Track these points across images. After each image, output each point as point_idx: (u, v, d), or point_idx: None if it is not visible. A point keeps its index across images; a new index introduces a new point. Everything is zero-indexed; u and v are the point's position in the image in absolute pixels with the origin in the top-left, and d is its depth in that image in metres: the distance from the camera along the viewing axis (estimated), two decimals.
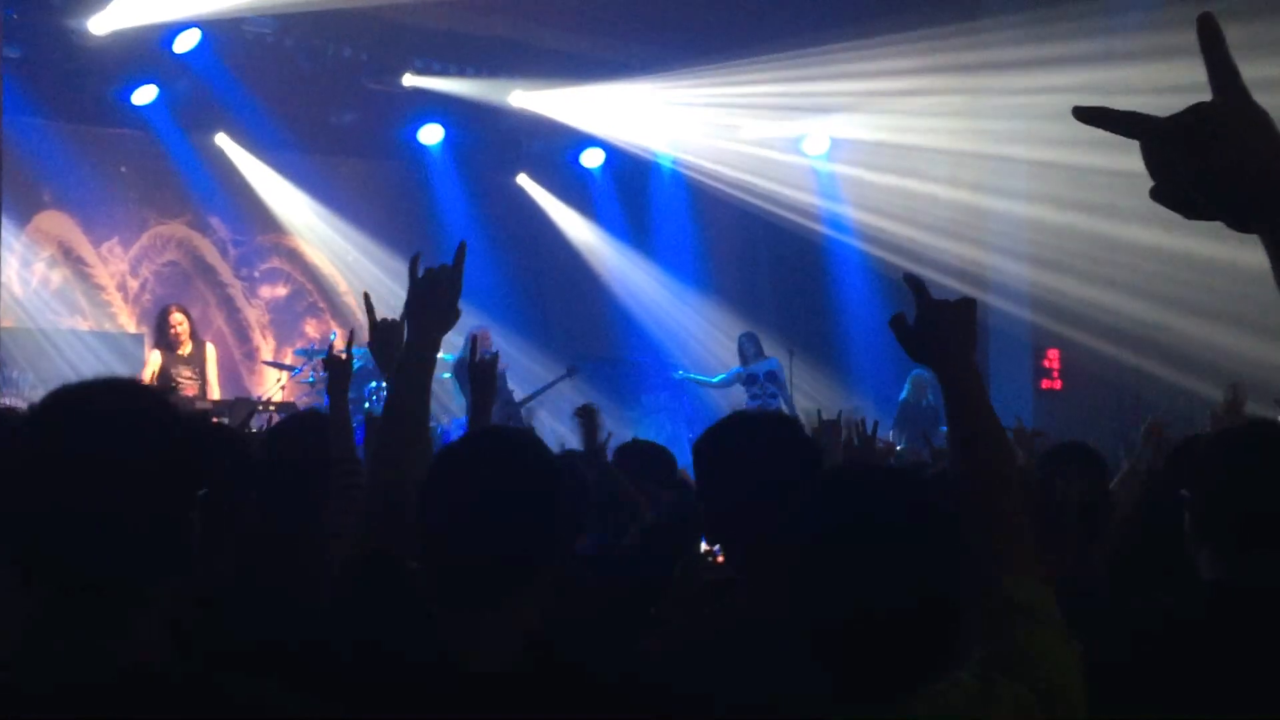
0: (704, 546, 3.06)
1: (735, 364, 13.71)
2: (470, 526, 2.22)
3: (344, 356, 4.09)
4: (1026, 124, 13.02)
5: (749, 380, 13.11)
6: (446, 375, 13.24)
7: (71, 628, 1.69)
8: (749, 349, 13.30)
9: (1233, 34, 1.40)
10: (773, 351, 13.42)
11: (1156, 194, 1.36)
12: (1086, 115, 1.38)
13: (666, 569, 3.16)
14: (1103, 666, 2.02)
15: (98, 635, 1.69)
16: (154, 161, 13.63)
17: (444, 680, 2.14)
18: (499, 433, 2.50)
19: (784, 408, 12.94)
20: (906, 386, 13.37)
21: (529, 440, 2.44)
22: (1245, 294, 11.74)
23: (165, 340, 10.27)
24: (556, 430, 14.04)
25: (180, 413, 1.85)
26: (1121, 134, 1.37)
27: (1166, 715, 2.26)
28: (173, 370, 10.22)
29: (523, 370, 13.29)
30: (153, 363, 10.26)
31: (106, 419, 1.76)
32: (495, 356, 4.41)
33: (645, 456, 4.81)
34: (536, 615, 2.24)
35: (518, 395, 12.32)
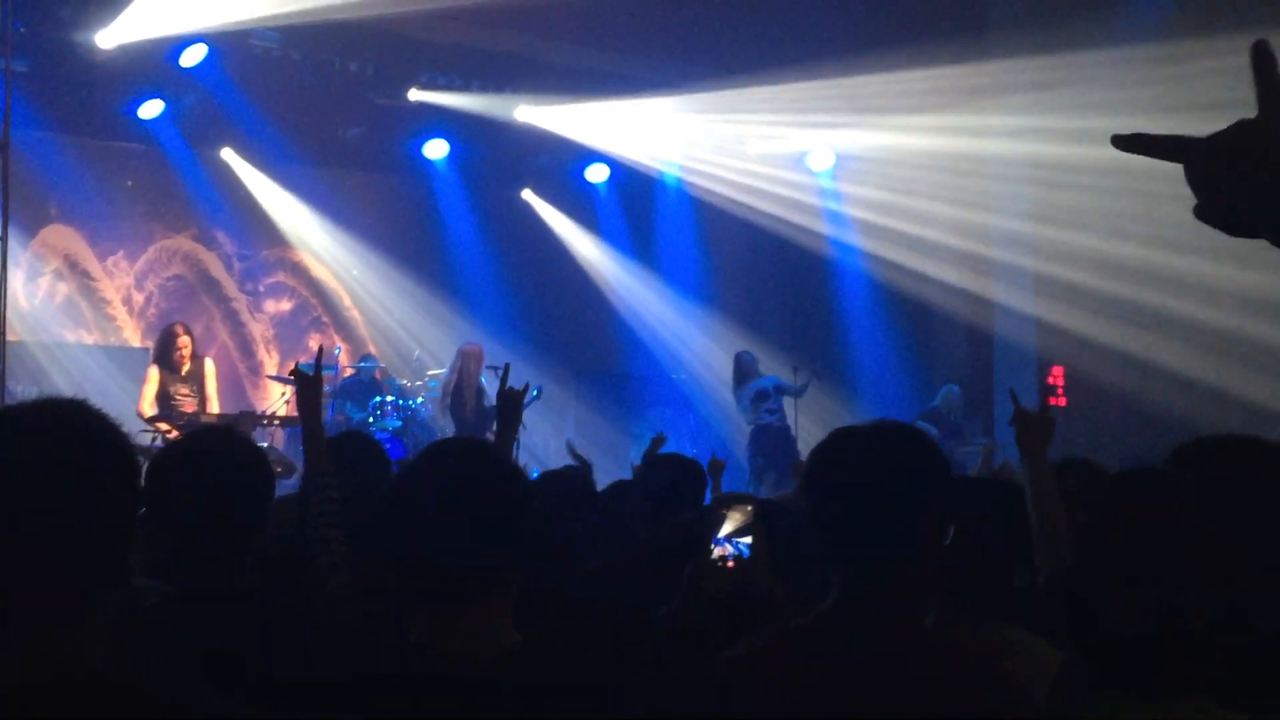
0: (716, 551, 3.04)
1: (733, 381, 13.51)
2: (448, 534, 2.28)
3: (313, 373, 4.06)
4: (1033, 142, 13.03)
5: (760, 396, 13.01)
6: (434, 384, 13.25)
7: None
8: (753, 364, 13.22)
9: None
10: (777, 368, 13.38)
11: (1201, 213, 1.35)
12: (1125, 143, 1.37)
13: (676, 573, 3.18)
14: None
15: (23, 645, 1.71)
16: (160, 175, 13.66)
17: (432, 677, 2.21)
18: (464, 444, 2.55)
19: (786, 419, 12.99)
20: (939, 398, 13.49)
21: (488, 448, 2.52)
22: (1256, 311, 11.75)
23: (168, 360, 10.23)
24: (560, 446, 14.05)
25: (120, 433, 1.87)
26: (1163, 158, 1.36)
27: None
28: (171, 388, 10.18)
29: (531, 383, 13.28)
30: (153, 380, 10.22)
31: (43, 436, 1.78)
32: (525, 389, 4.38)
33: (676, 471, 4.83)
34: (509, 613, 2.32)
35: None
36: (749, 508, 3.01)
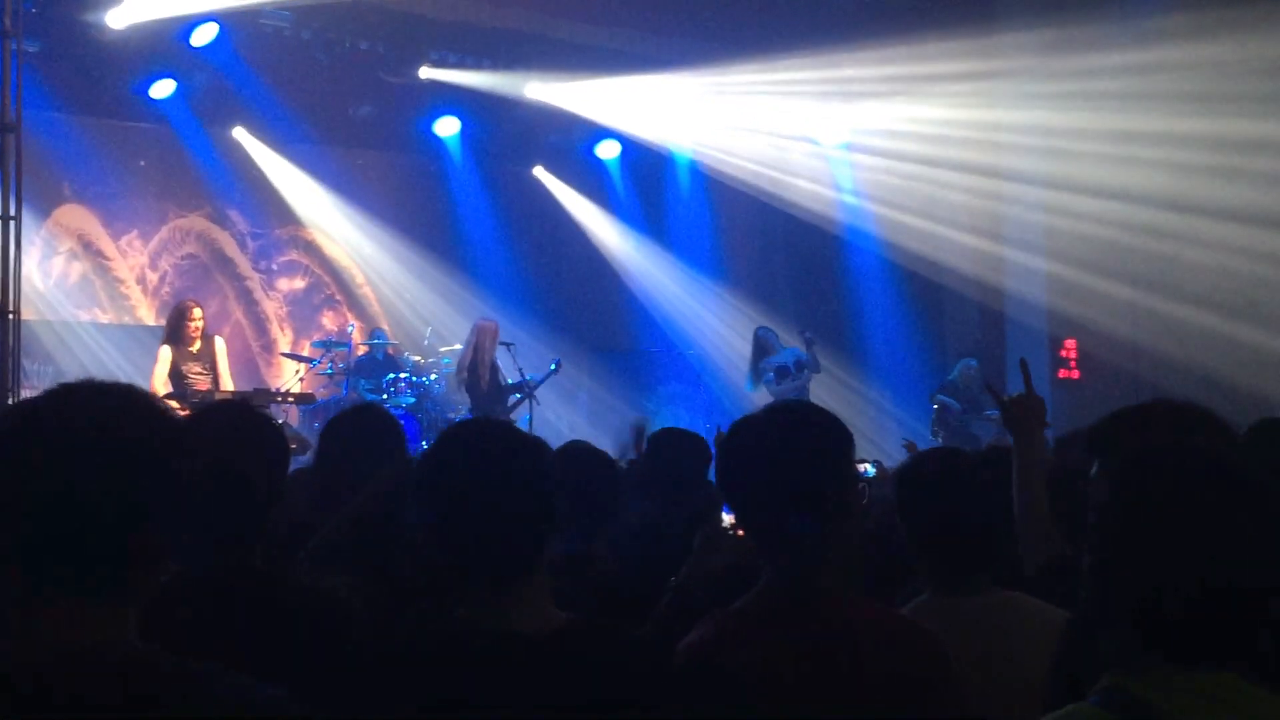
0: (727, 519, 3.10)
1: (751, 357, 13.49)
2: (488, 516, 2.30)
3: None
4: (1043, 113, 13.00)
5: (781, 372, 12.99)
6: (447, 360, 13.30)
7: (37, 617, 1.75)
8: (774, 341, 13.16)
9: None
10: (790, 340, 13.34)
11: None
12: None
13: (686, 544, 3.23)
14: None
15: (61, 625, 1.74)
16: (173, 155, 13.68)
17: (483, 654, 2.24)
18: (494, 424, 2.56)
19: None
20: (956, 371, 13.42)
21: (517, 430, 2.54)
22: (1270, 282, 11.71)
23: (180, 336, 10.27)
24: (573, 421, 14.09)
25: (164, 411, 1.89)
26: None
27: None
28: (183, 366, 10.23)
29: (544, 359, 13.33)
30: (164, 359, 10.26)
31: (89, 417, 1.80)
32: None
33: (680, 445, 4.87)
34: (548, 591, 2.36)
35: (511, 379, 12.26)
36: None
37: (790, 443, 2.54)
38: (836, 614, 2.48)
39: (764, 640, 2.45)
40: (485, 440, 2.41)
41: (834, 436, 2.58)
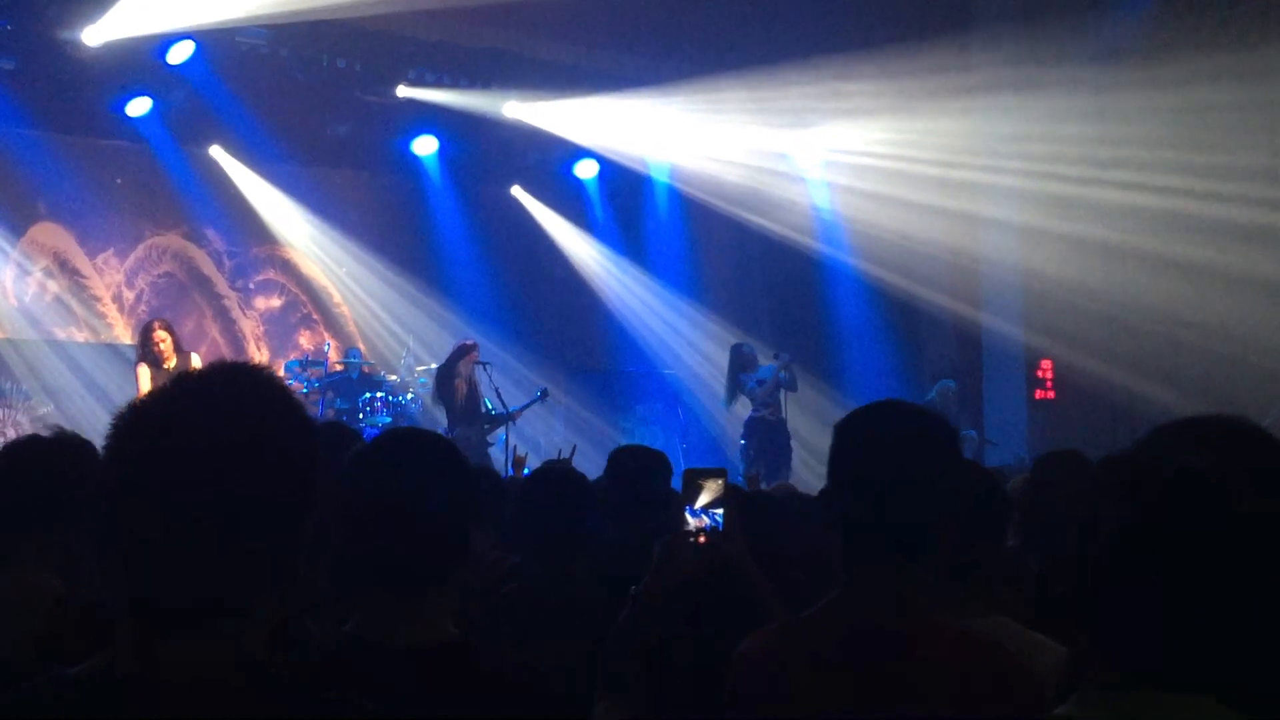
0: (693, 522, 3.06)
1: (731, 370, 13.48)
2: (406, 520, 2.27)
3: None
4: (1020, 133, 13.07)
5: (761, 384, 13.02)
6: (423, 380, 13.28)
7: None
8: (752, 355, 13.19)
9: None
10: (766, 360, 13.36)
11: None
12: None
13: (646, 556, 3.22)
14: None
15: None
16: (149, 173, 13.63)
17: (384, 659, 2.21)
18: (413, 433, 2.54)
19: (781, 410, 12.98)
20: (934, 392, 13.41)
21: (443, 440, 2.51)
22: (1241, 303, 11.77)
23: (150, 355, 10.26)
24: (550, 440, 14.07)
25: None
26: None
27: None
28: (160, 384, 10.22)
29: (522, 379, 13.30)
30: (144, 377, 10.24)
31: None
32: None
33: (639, 461, 4.85)
34: (450, 609, 2.32)
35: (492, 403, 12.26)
36: (720, 481, 3.06)
37: (918, 447, 2.44)
38: (923, 628, 2.40)
39: (836, 649, 2.38)
40: (402, 454, 2.38)
41: (953, 446, 2.49)
